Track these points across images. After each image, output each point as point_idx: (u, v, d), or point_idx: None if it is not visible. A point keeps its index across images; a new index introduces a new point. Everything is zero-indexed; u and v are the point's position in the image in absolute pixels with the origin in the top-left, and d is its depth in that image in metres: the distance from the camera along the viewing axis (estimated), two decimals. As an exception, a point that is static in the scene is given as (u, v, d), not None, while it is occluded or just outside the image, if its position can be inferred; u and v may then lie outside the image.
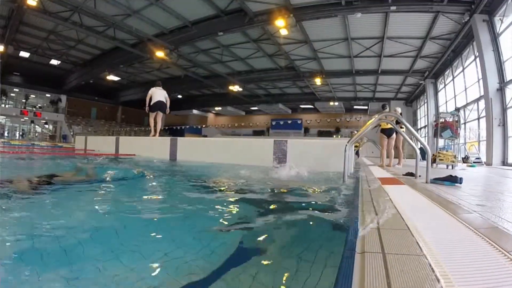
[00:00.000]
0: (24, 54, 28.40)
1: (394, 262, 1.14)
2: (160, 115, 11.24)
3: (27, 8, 16.94)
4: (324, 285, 1.30)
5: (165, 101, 11.11)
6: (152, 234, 1.98)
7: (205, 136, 39.49)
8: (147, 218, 2.38)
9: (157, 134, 11.28)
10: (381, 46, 19.27)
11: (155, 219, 2.35)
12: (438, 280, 0.98)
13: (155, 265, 1.55)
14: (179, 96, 40.67)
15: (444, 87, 21.75)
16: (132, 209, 2.63)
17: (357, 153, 9.78)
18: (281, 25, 16.14)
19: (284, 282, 1.41)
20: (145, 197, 3.40)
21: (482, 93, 14.63)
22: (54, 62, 31.14)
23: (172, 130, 32.47)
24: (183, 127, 35.26)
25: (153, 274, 1.47)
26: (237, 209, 2.84)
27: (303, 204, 3.14)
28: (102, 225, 2.14)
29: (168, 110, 11.23)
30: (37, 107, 38.36)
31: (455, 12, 14.67)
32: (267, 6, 15.94)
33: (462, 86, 18.37)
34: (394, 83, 27.45)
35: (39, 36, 24.51)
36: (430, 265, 1.11)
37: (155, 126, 11.19)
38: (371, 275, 1.03)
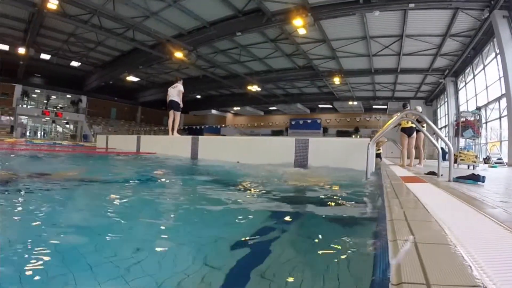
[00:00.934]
0: (45, 56, 29.04)
1: (426, 250, 1.19)
2: (175, 114, 11.34)
3: (47, 11, 17.28)
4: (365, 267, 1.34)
5: (178, 99, 11.11)
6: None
7: (224, 135, 39.65)
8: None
9: (174, 132, 11.39)
10: (400, 44, 19.01)
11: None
12: (471, 268, 1.03)
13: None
14: (198, 96, 40.98)
15: (465, 85, 21.33)
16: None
17: (379, 156, 9.63)
18: (299, 24, 16.12)
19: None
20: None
21: (504, 91, 14.30)
22: (74, 63, 31.80)
23: (192, 130, 32.67)
24: (202, 127, 35.44)
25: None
26: (269, 207, 2.88)
27: (331, 200, 3.18)
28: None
29: (181, 105, 11.22)
30: (58, 107, 39.28)
31: (474, 8, 14.34)
32: (285, 6, 15.91)
33: (483, 84, 17.98)
34: (413, 82, 27.02)
35: (59, 39, 25.14)
36: (462, 255, 1.15)
37: (172, 125, 11.33)
38: (405, 261, 1.08)
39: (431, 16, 15.70)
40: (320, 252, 1.60)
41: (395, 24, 16.98)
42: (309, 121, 41.77)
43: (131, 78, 33.84)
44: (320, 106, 42.59)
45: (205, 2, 16.59)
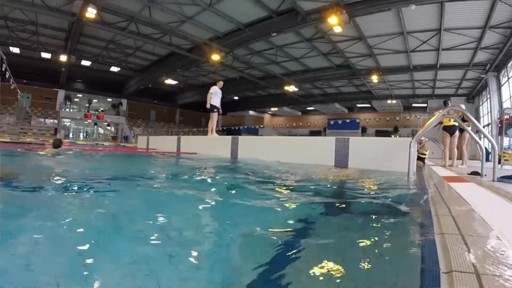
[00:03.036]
0: (85, 62, 30.64)
1: (472, 242, 1.24)
2: (212, 115, 11.71)
3: (86, 20, 17.95)
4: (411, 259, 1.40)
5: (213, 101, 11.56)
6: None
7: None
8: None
9: (213, 133, 11.70)
10: (439, 38, 18.42)
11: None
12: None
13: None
14: (235, 98, 41.36)
15: (508, 80, 20.39)
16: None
17: (422, 160, 9.35)
18: (334, 22, 15.95)
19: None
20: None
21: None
22: (114, 69, 33.19)
23: (230, 131, 33.03)
24: (240, 128, 35.76)
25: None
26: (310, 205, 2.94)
27: (375, 199, 3.20)
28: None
29: (207, 105, 11.61)
30: (99, 110, 40.86)
31: (512, -4, 13.73)
32: (319, 4, 15.82)
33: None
34: (454, 78, 26.10)
35: (99, 46, 26.20)
36: (506, 248, 1.19)
37: (213, 126, 11.65)
38: (455, 251, 1.14)
39: (468, 8, 15.09)
40: (370, 243, 1.66)
41: (432, 18, 16.48)
42: (347, 120, 41.12)
43: (169, 81, 34.70)
44: (358, 105, 41.94)
45: (239, 4, 16.74)
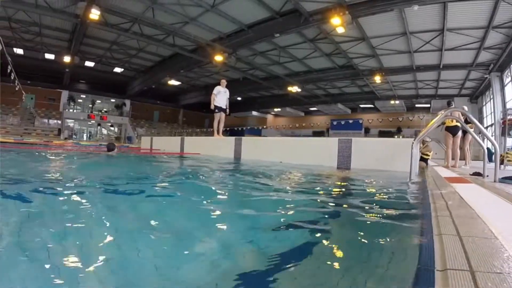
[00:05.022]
0: (89, 63, 30.81)
1: (469, 242, 1.27)
2: (223, 116, 11.78)
3: (90, 22, 18.00)
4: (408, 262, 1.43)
5: (226, 103, 11.69)
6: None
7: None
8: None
9: (220, 134, 11.76)
10: (442, 39, 18.35)
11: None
12: None
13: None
14: (238, 98, 41.33)
15: (511, 80, 20.39)
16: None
17: (425, 161, 9.32)
18: (337, 23, 15.92)
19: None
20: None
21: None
22: (117, 70, 33.31)
23: (233, 132, 33.06)
24: (243, 129, 35.78)
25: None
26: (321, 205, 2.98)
27: (376, 200, 3.24)
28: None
29: (228, 110, 11.75)
30: (103, 111, 41.11)
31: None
32: (322, 5, 15.82)
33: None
34: (457, 78, 25.96)
35: (102, 47, 26.29)
36: (504, 247, 1.23)
37: (218, 126, 11.69)
38: (450, 250, 1.18)
39: (471, 8, 15.03)
40: (368, 242, 1.69)
41: (435, 18, 16.44)
42: (350, 121, 41.09)
43: (173, 82, 34.75)
44: (361, 106, 41.74)
45: (241, 5, 16.75)
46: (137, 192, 3.25)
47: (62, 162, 6.71)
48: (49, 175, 4.31)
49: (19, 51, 27.01)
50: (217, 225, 2.18)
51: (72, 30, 21.96)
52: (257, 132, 41.63)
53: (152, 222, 2.05)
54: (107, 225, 1.95)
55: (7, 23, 20.79)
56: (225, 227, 2.13)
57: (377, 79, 25.51)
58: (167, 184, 4.15)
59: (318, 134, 41.95)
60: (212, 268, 1.41)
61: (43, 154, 8.62)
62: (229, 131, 32.80)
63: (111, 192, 3.18)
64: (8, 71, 15.63)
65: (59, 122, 35.26)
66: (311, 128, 43.11)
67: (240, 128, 35.02)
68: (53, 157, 7.73)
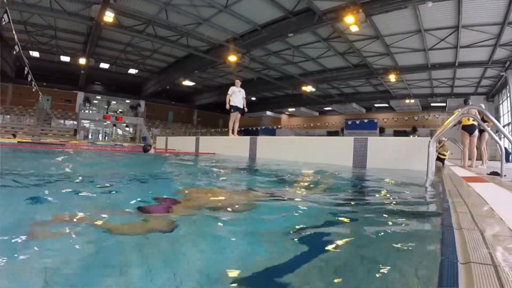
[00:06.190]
0: (104, 65, 31.30)
1: (491, 239, 1.28)
2: (239, 116, 11.84)
3: (104, 24, 18.30)
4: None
5: (244, 103, 11.76)
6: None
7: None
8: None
9: (235, 133, 11.82)
10: (457, 36, 18.08)
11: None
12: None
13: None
14: (253, 98, 41.36)
15: (529, 77, 19.97)
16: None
17: (441, 161, 9.23)
18: (350, 21, 15.85)
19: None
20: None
21: None
22: (132, 71, 33.75)
23: (247, 131, 33.11)
24: (257, 128, 35.84)
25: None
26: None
27: (395, 198, 3.23)
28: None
29: (246, 109, 11.89)
30: (118, 112, 41.69)
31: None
32: (335, 4, 15.76)
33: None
34: (473, 76, 25.52)
35: (117, 49, 26.72)
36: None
37: (233, 126, 11.76)
38: (471, 244, 1.19)
39: (487, 3, 14.81)
40: (391, 237, 1.70)
41: (450, 15, 16.19)
42: (365, 121, 40.73)
43: (187, 83, 35.08)
44: (376, 105, 41.37)
45: (255, 5, 16.80)
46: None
47: (124, 161, 7.15)
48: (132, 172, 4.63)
49: (35, 53, 27.61)
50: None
51: (87, 33, 22.37)
52: (271, 132, 41.59)
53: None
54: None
55: (23, 26, 21.21)
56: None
57: (392, 77, 25.32)
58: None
59: (332, 134, 41.68)
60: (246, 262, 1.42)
61: (92, 154, 9.02)
62: (244, 131, 32.91)
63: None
64: (25, 73, 15.94)
65: (75, 122, 35.83)
66: (326, 128, 42.87)
67: (254, 128, 35.07)
68: (109, 156, 8.22)
